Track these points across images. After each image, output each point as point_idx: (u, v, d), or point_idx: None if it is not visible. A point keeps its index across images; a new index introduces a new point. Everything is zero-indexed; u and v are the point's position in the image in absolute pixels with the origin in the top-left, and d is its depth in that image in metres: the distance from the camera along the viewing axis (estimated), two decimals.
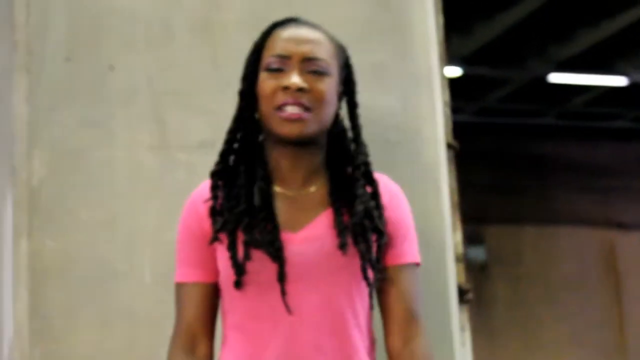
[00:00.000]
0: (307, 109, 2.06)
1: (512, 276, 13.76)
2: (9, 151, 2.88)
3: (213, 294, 2.16)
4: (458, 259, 3.10)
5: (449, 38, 3.58)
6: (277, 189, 2.13)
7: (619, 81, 11.80)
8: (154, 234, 2.74)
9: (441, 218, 2.90)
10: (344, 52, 2.20)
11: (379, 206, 2.12)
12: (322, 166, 2.17)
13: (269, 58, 2.11)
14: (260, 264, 2.04)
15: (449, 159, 3.14)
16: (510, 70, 11.28)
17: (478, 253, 13.24)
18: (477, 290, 3.48)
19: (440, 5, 3.26)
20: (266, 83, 2.09)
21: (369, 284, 2.09)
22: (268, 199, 2.09)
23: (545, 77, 11.42)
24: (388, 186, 2.19)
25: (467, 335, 3.20)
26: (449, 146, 3.17)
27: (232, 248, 2.06)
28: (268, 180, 2.12)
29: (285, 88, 2.05)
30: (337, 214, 2.09)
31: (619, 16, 9.63)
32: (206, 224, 2.13)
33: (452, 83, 3.85)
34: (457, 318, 2.94)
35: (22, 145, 2.79)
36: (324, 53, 2.11)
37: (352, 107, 2.22)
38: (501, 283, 13.68)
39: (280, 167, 2.13)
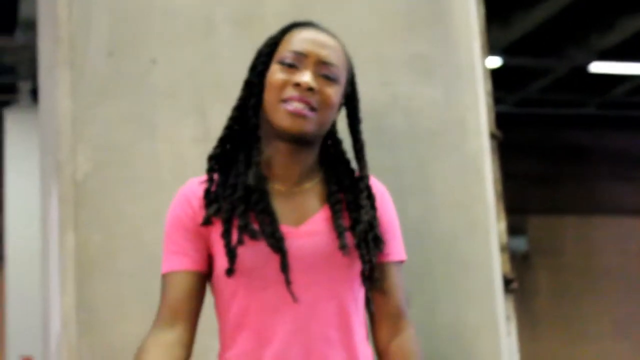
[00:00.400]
0: (312, 109, 2.07)
1: (553, 267, 13.70)
2: (54, 146, 2.91)
3: (199, 284, 2.12)
4: (502, 249, 3.10)
5: (489, 29, 3.57)
6: (271, 184, 2.13)
7: None
8: None
9: (485, 207, 2.90)
10: (352, 68, 2.21)
11: (376, 216, 2.16)
12: (315, 165, 2.18)
13: (285, 52, 2.11)
14: (263, 258, 2.04)
15: (493, 149, 3.14)
16: (551, 60, 11.20)
17: (520, 243, 13.17)
18: (519, 280, 3.46)
19: None
20: (277, 75, 2.09)
21: (368, 285, 2.13)
22: (262, 182, 2.09)
23: (585, 66, 11.30)
24: (377, 188, 2.22)
25: (513, 325, 3.19)
26: (492, 136, 3.17)
27: (226, 236, 2.05)
28: (262, 170, 2.11)
29: (297, 85, 2.06)
30: (336, 216, 2.11)
31: None
32: (198, 216, 2.11)
33: (493, 74, 3.83)
34: (502, 307, 2.93)
35: (66, 140, 2.81)
36: (338, 61, 2.13)
37: (356, 122, 2.23)
38: (543, 273, 13.62)
39: (275, 163, 2.14)
